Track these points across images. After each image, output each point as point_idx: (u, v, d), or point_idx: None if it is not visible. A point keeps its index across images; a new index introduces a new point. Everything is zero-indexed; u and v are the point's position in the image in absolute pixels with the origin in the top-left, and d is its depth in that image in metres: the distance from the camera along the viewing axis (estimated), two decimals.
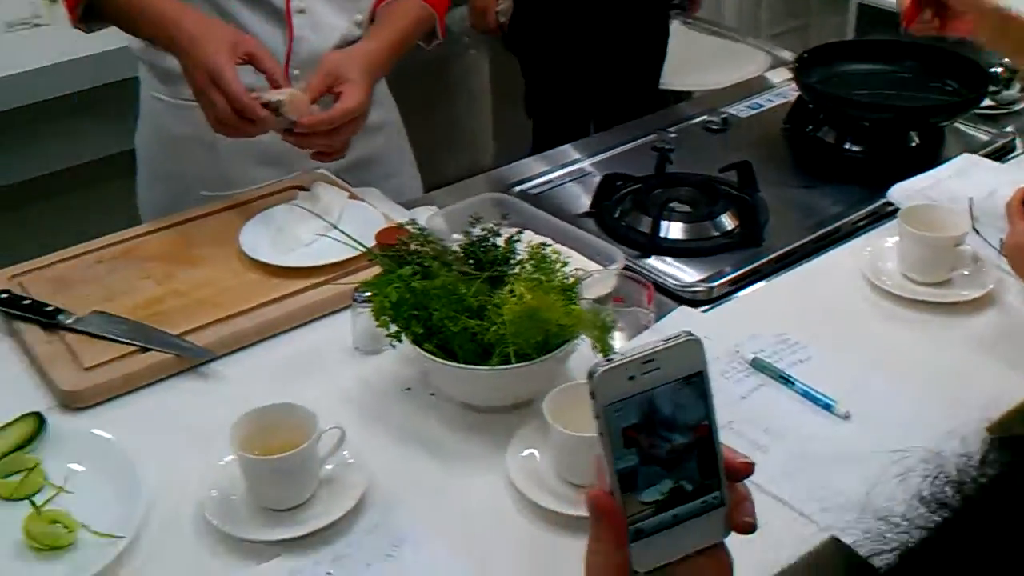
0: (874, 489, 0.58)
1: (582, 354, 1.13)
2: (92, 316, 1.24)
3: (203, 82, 1.31)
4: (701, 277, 1.44)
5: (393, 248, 1.18)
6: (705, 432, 0.64)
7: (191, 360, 1.20)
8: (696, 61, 2.98)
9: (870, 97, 1.80)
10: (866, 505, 0.54)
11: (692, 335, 0.64)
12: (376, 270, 1.17)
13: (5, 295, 1.28)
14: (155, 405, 1.17)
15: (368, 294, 1.20)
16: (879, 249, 1.37)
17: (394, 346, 1.13)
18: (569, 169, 1.77)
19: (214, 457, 1.04)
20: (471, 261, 1.15)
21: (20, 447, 1.07)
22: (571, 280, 1.13)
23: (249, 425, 1.00)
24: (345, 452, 1.04)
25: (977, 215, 1.40)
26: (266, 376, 1.21)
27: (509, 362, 1.05)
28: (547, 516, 1.00)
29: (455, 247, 1.17)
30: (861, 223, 1.56)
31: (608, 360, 0.61)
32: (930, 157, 1.73)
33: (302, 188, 1.51)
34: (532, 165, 1.79)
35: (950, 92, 1.80)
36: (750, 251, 1.50)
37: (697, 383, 0.63)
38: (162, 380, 1.19)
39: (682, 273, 1.46)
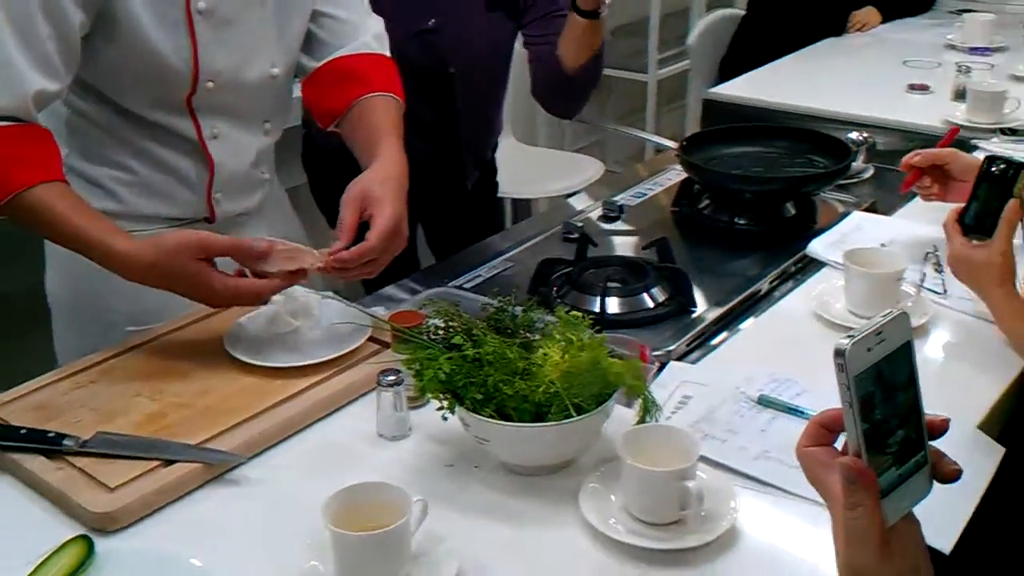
0: None
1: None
2: (99, 437, 1.19)
3: (211, 289, 1.30)
4: (655, 344, 1.53)
5: (419, 327, 1.21)
6: (913, 395, 0.71)
7: (220, 467, 1.17)
8: (537, 172, 3.15)
9: (749, 174, 1.98)
10: None
11: (902, 311, 0.72)
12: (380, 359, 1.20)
13: None
14: (194, 515, 1.12)
15: (392, 378, 1.22)
16: (825, 292, 1.51)
17: (446, 419, 1.14)
18: (488, 266, 1.84)
19: (277, 556, 1.03)
20: (495, 331, 1.20)
21: (73, 573, 1.01)
22: (598, 339, 1.18)
23: (336, 505, 0.99)
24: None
25: None
26: (298, 473, 1.19)
27: (569, 417, 1.09)
28: (628, 551, 1.04)
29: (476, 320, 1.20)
30: (775, 281, 1.71)
31: (850, 337, 0.68)
32: (807, 223, 1.92)
33: None
34: (447, 268, 1.84)
35: (817, 166, 2.01)
36: (686, 317, 1.61)
37: (907, 351, 0.71)
38: (192, 492, 1.15)
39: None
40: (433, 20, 2.00)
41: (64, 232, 1.32)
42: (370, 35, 1.61)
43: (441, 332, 1.19)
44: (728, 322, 1.60)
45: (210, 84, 1.44)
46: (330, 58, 1.58)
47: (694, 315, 1.61)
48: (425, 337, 1.18)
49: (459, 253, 1.94)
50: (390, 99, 1.59)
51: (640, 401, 1.16)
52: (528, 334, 1.21)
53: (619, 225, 2.01)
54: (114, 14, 1.36)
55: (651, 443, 1.09)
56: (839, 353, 0.68)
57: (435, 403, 1.16)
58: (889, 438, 0.70)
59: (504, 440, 1.12)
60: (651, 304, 1.64)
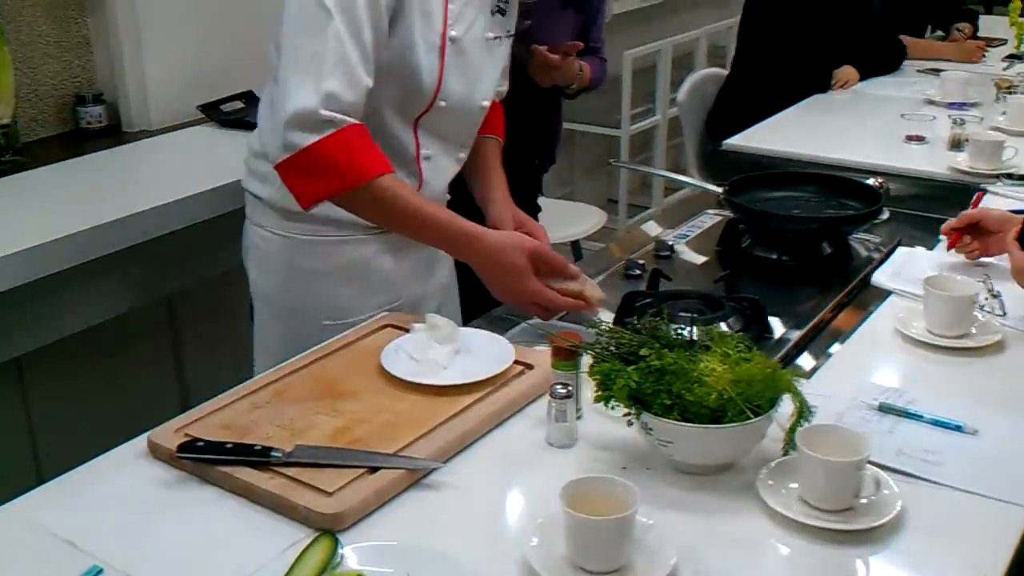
0: None
1: None
2: (299, 450, 1.28)
3: (521, 289, 1.59)
4: None
5: (584, 345, 1.34)
6: None
7: (419, 472, 1.27)
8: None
9: (796, 215, 2.16)
10: None
11: None
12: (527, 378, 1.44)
13: (201, 443, 1.29)
14: (404, 515, 1.22)
15: (563, 391, 1.34)
16: (903, 314, 1.68)
17: (631, 424, 1.27)
18: None
19: (496, 541, 1.16)
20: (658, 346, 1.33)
21: (327, 566, 1.10)
22: (752, 351, 1.33)
23: (569, 494, 1.11)
24: None
25: None
26: (487, 476, 1.30)
27: (748, 419, 1.23)
28: (812, 533, 1.18)
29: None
30: (835, 310, 1.87)
31: None
32: (844, 261, 2.10)
33: (395, 327, 1.62)
34: None
35: (848, 208, 2.19)
36: (766, 343, 1.76)
37: None
38: (395, 497, 1.25)
39: None
40: (529, 21, 2.26)
41: (410, 213, 1.56)
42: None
43: (613, 348, 1.32)
44: (805, 346, 1.75)
45: (442, 103, 1.65)
46: None
47: (772, 341, 1.76)
48: (603, 352, 1.31)
49: None
50: (495, 140, 1.87)
51: (796, 406, 1.30)
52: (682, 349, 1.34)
53: (669, 262, 2.16)
54: (396, 29, 1.57)
55: (819, 440, 1.23)
56: None
57: (596, 415, 1.33)
58: None
59: (689, 441, 1.25)
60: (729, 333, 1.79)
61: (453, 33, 1.62)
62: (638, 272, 2.05)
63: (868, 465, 1.23)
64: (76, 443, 2.36)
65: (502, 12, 1.74)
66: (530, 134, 2.64)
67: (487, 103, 1.77)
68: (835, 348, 1.70)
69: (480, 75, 1.72)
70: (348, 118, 1.50)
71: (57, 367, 2.48)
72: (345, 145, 1.49)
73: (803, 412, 1.30)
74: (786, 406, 1.30)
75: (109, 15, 2.75)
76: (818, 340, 1.77)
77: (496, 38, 1.73)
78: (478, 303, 2.00)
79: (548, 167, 2.96)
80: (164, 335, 2.79)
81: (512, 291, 1.59)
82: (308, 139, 1.48)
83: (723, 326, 1.78)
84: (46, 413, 2.49)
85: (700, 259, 2.18)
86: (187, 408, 1.41)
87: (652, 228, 2.35)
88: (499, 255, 1.57)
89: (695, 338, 1.36)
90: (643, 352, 1.27)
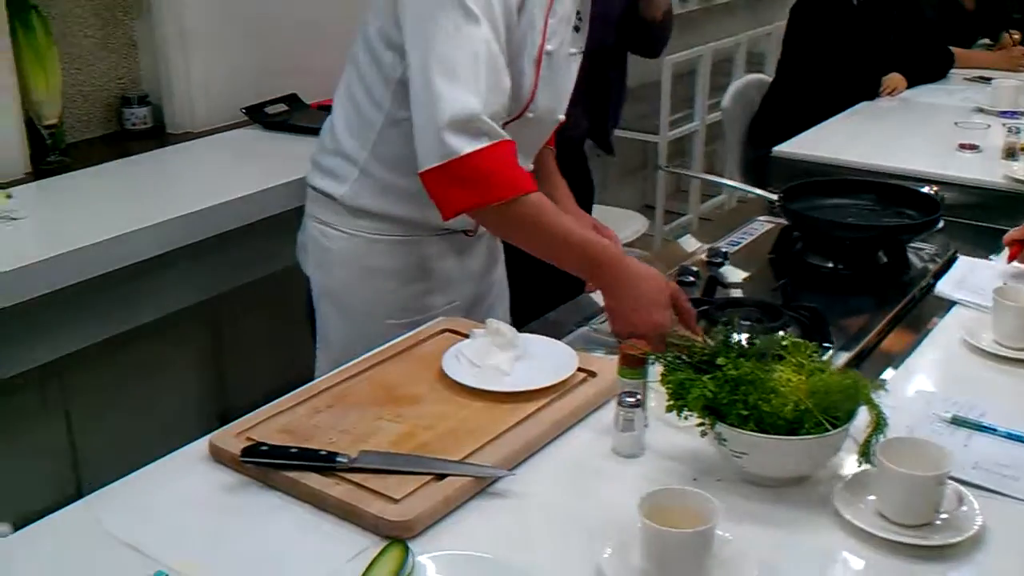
0: None
1: None
2: (365, 456, 1.26)
3: (653, 318, 1.55)
4: None
5: (657, 354, 1.31)
6: None
7: (486, 480, 1.25)
8: None
9: (855, 223, 2.13)
10: None
11: None
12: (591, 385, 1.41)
13: (265, 447, 1.27)
14: (475, 524, 1.20)
15: (632, 400, 1.32)
16: (974, 325, 1.65)
17: (704, 434, 1.25)
18: None
19: (570, 552, 1.14)
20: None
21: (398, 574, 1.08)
22: (824, 361, 1.30)
23: (647, 505, 1.08)
24: None
25: None
26: (554, 485, 1.28)
27: (826, 431, 1.20)
28: (889, 548, 1.15)
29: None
30: (896, 322, 1.84)
31: None
32: (901, 271, 2.06)
33: (452, 332, 1.60)
34: (585, 305, 1.94)
35: (904, 217, 2.16)
36: (825, 353, 1.73)
37: None
38: (462, 504, 1.23)
39: None
40: None
41: (555, 232, 1.56)
42: None
43: (685, 357, 1.30)
44: (866, 357, 1.72)
45: (530, 115, 1.66)
46: None
47: (831, 351, 1.73)
48: (675, 361, 1.28)
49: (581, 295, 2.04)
50: (550, 149, 1.91)
51: (872, 418, 1.27)
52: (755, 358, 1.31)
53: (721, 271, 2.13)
54: (509, 39, 1.57)
55: (896, 453, 1.19)
56: None
57: (662, 424, 1.31)
58: None
59: (765, 452, 1.22)
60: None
61: (549, 47, 1.63)
62: (691, 279, 2.02)
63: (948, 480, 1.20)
64: (113, 447, 2.36)
65: (577, 29, 1.75)
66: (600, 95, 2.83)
67: (563, 117, 1.78)
68: (899, 360, 1.66)
69: (563, 90, 1.74)
70: (503, 132, 1.51)
71: (95, 370, 2.47)
72: (500, 159, 1.49)
73: (880, 424, 1.26)
74: (858, 417, 1.27)
75: (156, 18, 2.76)
76: (879, 351, 1.74)
77: (573, 54, 1.75)
78: (526, 305, 2.00)
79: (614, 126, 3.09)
80: (204, 338, 2.78)
81: (642, 315, 1.55)
82: (468, 146, 1.47)
83: (782, 335, 1.76)
84: (85, 416, 2.48)
85: (751, 267, 2.15)
86: (227, 411, 1.39)
87: (689, 243, 2.31)
88: (643, 282, 1.57)
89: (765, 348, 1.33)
90: (719, 361, 1.24)
